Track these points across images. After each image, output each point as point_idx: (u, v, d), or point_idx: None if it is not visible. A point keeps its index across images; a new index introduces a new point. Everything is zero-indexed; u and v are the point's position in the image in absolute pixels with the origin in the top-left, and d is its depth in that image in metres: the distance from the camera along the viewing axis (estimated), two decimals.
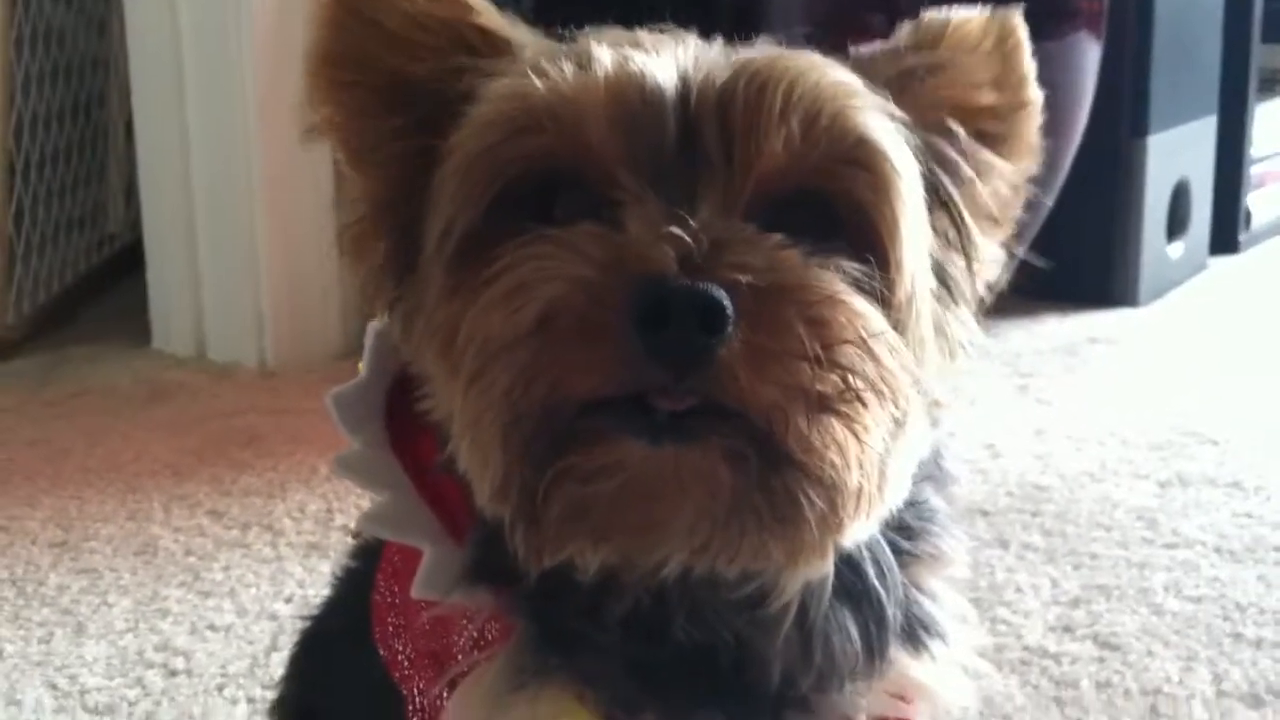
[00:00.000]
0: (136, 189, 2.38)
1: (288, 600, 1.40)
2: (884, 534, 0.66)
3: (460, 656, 0.67)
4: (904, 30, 0.68)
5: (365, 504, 0.71)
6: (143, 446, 1.83)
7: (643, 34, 0.63)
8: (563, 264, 0.56)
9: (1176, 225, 2.53)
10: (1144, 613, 1.35)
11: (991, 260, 0.69)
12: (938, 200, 0.65)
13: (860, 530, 0.61)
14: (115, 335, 2.33)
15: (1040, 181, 0.71)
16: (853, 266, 0.59)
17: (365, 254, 0.68)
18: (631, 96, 0.59)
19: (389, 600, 0.73)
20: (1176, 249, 2.54)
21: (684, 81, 0.60)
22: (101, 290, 2.56)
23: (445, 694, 0.68)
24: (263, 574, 1.46)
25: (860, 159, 0.60)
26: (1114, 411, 1.92)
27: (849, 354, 0.57)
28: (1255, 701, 1.20)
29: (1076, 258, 2.37)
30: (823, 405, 0.56)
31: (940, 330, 0.65)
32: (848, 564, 0.65)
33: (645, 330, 0.54)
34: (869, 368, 0.57)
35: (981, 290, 0.69)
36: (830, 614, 0.65)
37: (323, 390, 0.72)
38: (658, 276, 0.55)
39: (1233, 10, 2.60)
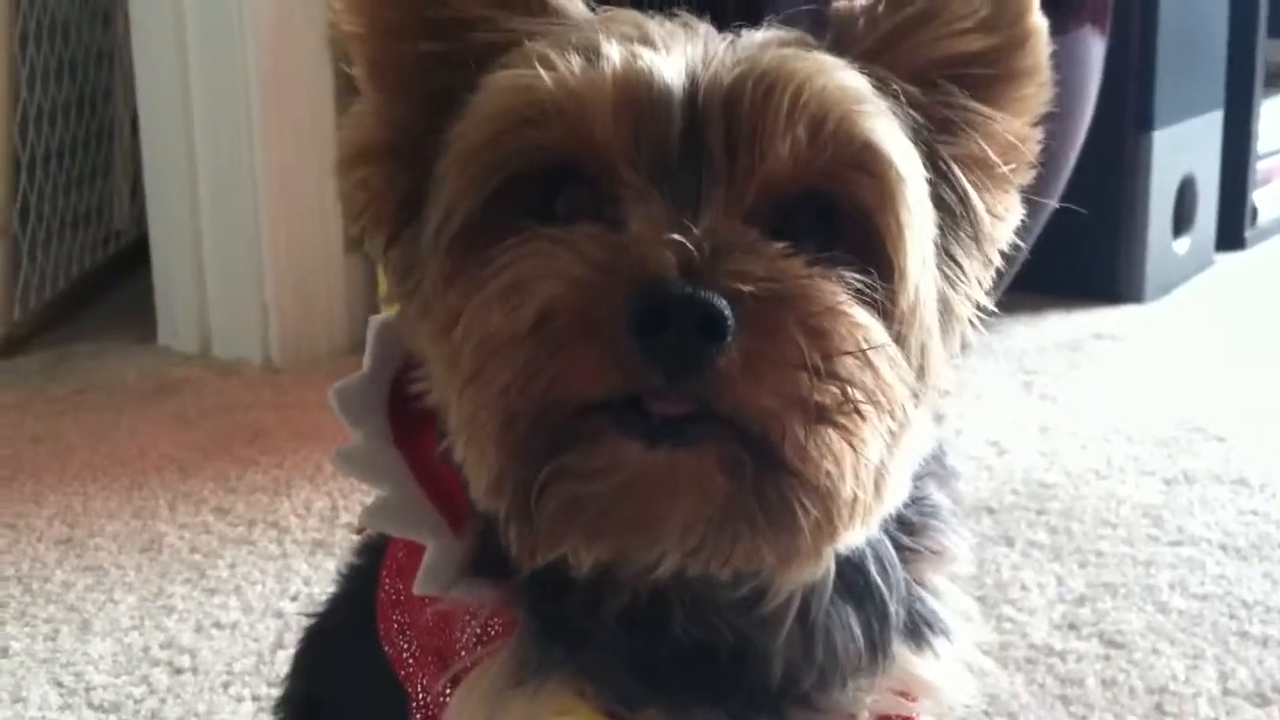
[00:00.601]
0: (142, 185, 2.38)
1: (293, 598, 1.40)
2: (886, 530, 0.66)
3: (463, 653, 0.67)
4: None
5: (370, 500, 0.71)
6: (148, 443, 1.84)
7: (653, 24, 0.63)
8: (563, 263, 0.56)
9: (1182, 221, 2.52)
10: (1150, 610, 1.35)
11: (1007, 214, 0.67)
12: (940, 174, 0.64)
13: (856, 536, 0.61)
14: (120, 331, 2.34)
15: (1044, 178, 0.70)
16: (855, 276, 0.59)
17: (361, 170, 0.66)
18: (639, 94, 0.59)
19: (393, 597, 0.73)
20: (1182, 245, 2.53)
21: (691, 80, 0.59)
22: (107, 286, 2.56)
23: (448, 690, 0.68)
24: (268, 571, 1.46)
25: (866, 164, 0.60)
26: (1119, 408, 1.92)
27: (848, 365, 0.57)
28: (1261, 700, 1.20)
29: (1081, 254, 2.36)
30: (820, 416, 0.56)
31: (948, 312, 0.64)
32: (850, 561, 0.65)
33: (643, 334, 0.54)
34: (868, 379, 0.57)
35: (996, 253, 0.67)
36: (832, 610, 0.65)
37: (327, 386, 0.72)
38: (658, 281, 0.54)
39: (1238, 4, 2.59)
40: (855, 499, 0.58)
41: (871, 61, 0.63)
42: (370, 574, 0.76)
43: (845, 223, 0.61)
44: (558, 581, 0.63)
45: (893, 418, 0.59)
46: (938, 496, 0.70)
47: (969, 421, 1.86)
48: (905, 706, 0.68)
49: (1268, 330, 2.30)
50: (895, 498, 0.63)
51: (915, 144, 0.63)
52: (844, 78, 0.61)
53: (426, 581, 0.67)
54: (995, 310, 0.68)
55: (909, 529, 0.68)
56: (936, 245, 0.63)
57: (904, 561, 0.67)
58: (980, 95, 0.66)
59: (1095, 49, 2.05)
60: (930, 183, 0.63)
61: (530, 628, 0.65)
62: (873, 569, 0.66)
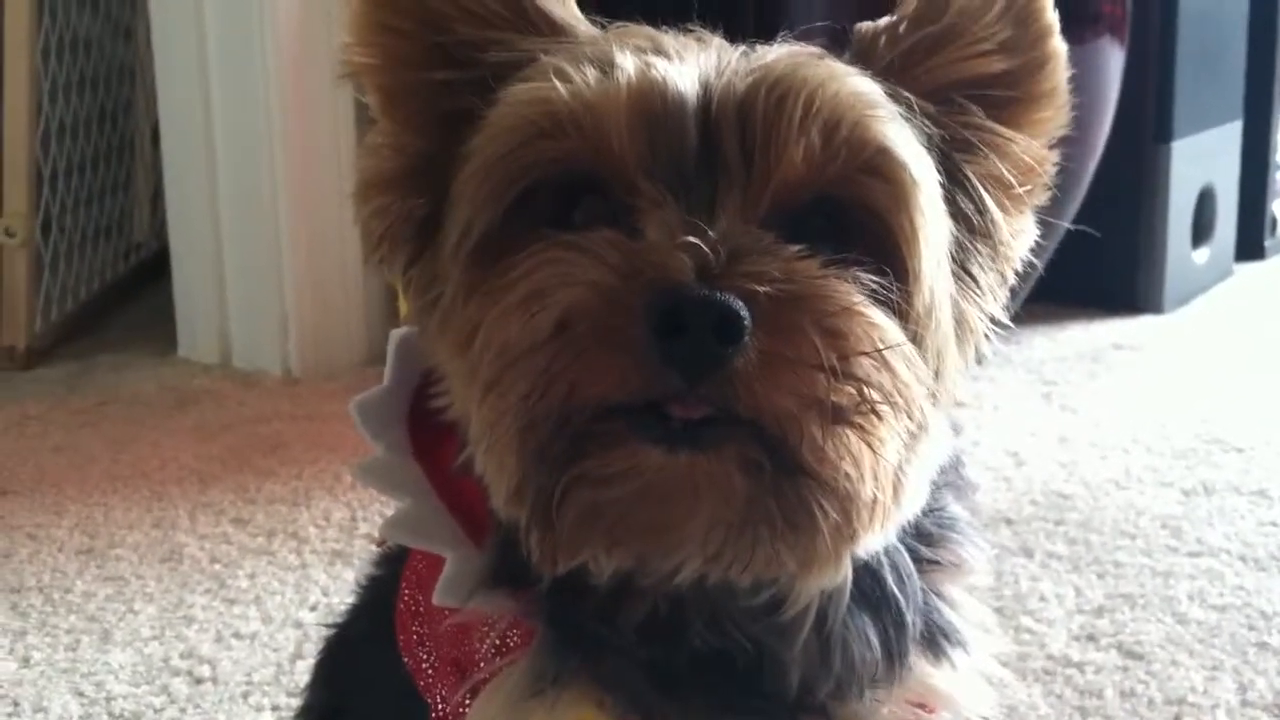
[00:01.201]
0: (162, 198, 2.40)
1: (312, 608, 1.40)
2: (903, 541, 0.66)
3: (482, 663, 0.67)
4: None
5: (389, 512, 0.72)
6: (169, 454, 1.84)
7: (666, 37, 0.63)
8: (581, 270, 0.57)
9: (1201, 231, 2.52)
10: (1169, 622, 1.34)
11: (1022, 234, 0.68)
12: (958, 184, 0.65)
13: (875, 540, 0.61)
14: (141, 343, 2.35)
15: (1062, 189, 0.70)
16: (870, 278, 0.59)
17: (378, 199, 0.67)
18: (653, 104, 0.59)
19: (413, 608, 0.73)
20: (1202, 255, 2.53)
21: (705, 90, 0.60)
22: (128, 299, 2.57)
23: (468, 701, 0.68)
24: (288, 581, 1.46)
25: (879, 169, 0.60)
26: (1138, 419, 1.92)
27: (865, 366, 0.57)
28: None
29: (1101, 264, 2.36)
30: (838, 416, 0.56)
31: (962, 325, 0.65)
32: (867, 571, 0.65)
33: (661, 338, 0.54)
34: (885, 380, 0.57)
35: (1011, 270, 0.68)
36: (849, 621, 0.65)
37: (346, 397, 0.72)
38: (675, 285, 0.55)
39: (1258, 14, 2.58)
40: (874, 501, 0.58)
41: (892, 78, 0.64)
42: (390, 585, 0.76)
43: (859, 227, 0.61)
44: (576, 591, 0.63)
45: (910, 418, 0.59)
46: (955, 508, 0.70)
47: (988, 432, 1.85)
48: (922, 718, 0.68)
49: None
50: (913, 503, 0.63)
51: (931, 152, 0.63)
52: (857, 84, 0.62)
53: (446, 593, 0.67)
54: (1012, 323, 0.68)
55: (926, 540, 0.68)
56: (952, 257, 0.64)
57: (921, 572, 0.67)
58: (999, 116, 0.67)
59: (1114, 60, 2.05)
60: (946, 190, 0.63)
61: (548, 638, 0.65)
62: (890, 579, 0.66)
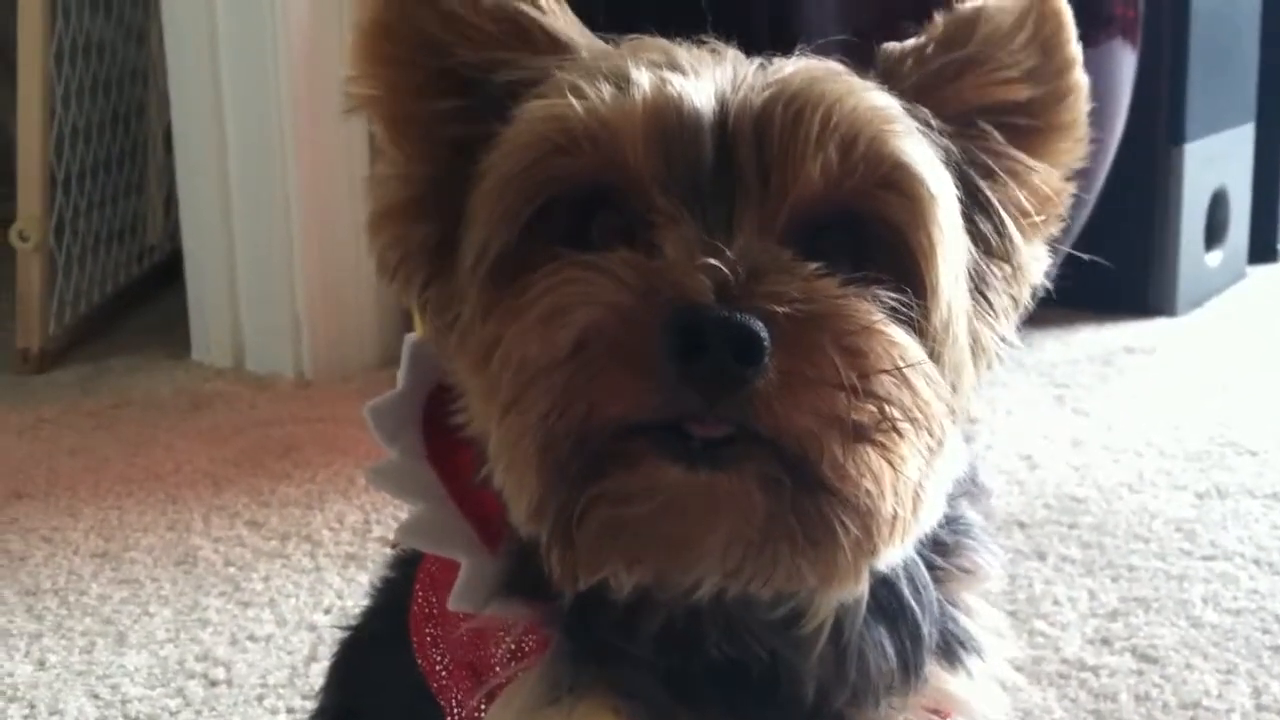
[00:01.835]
0: (175, 201, 2.40)
1: (326, 611, 1.41)
2: (919, 551, 0.66)
3: (498, 668, 0.68)
4: (936, 22, 0.67)
5: (402, 515, 0.72)
6: (183, 457, 1.85)
7: (682, 52, 0.63)
8: (599, 289, 0.57)
9: (1214, 234, 2.51)
10: (1183, 625, 1.34)
11: (1035, 262, 0.68)
12: (977, 204, 0.65)
13: (895, 554, 0.61)
14: (155, 346, 2.36)
15: (1076, 190, 0.70)
16: (889, 295, 0.59)
17: (391, 230, 0.67)
18: (669, 120, 0.59)
19: (427, 611, 0.74)
20: (1214, 258, 2.52)
21: (721, 105, 0.60)
22: (141, 302, 2.58)
23: (483, 705, 0.68)
24: (302, 584, 1.47)
25: (897, 184, 0.60)
26: (1152, 422, 1.91)
27: (885, 384, 0.57)
28: None
29: (1113, 267, 2.34)
30: (858, 435, 0.56)
31: (976, 344, 0.65)
32: (883, 581, 0.65)
33: (681, 359, 0.54)
34: (905, 397, 0.57)
35: (1025, 293, 0.68)
36: (865, 631, 0.65)
37: (359, 400, 0.72)
38: (694, 305, 0.55)
39: (1270, 16, 2.57)
40: (895, 516, 0.58)
41: (916, 100, 0.64)
42: (404, 588, 0.76)
43: (877, 242, 0.61)
44: (594, 604, 0.63)
45: (930, 435, 0.59)
46: (970, 515, 0.70)
47: (1000, 436, 1.85)
48: None
49: None
50: (932, 515, 0.63)
51: (950, 170, 0.63)
52: (874, 98, 0.61)
53: (461, 599, 0.67)
54: (1023, 326, 0.68)
55: (942, 549, 0.68)
56: (969, 276, 0.64)
57: (937, 581, 0.67)
58: (1021, 145, 0.67)
59: (1126, 62, 2.05)
60: (965, 208, 0.63)
61: (564, 646, 0.65)
62: (906, 590, 0.66)
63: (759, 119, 0.59)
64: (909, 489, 0.58)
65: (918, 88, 0.65)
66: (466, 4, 0.65)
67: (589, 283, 0.57)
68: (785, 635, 0.64)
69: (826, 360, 0.56)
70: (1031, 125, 0.67)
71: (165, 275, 2.58)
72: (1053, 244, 0.70)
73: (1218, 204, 2.50)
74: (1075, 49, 0.67)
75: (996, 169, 0.66)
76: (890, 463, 0.57)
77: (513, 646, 0.67)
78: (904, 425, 0.57)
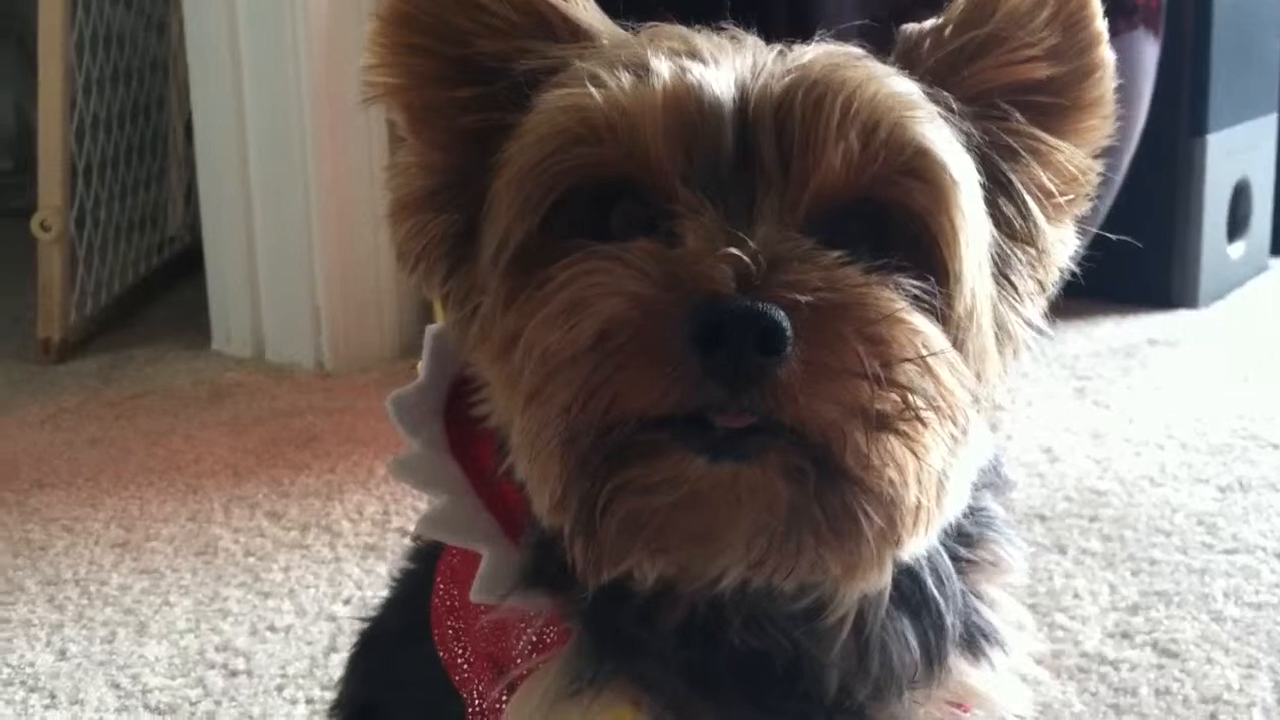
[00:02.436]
0: (195, 191, 2.41)
1: (346, 601, 1.41)
2: (943, 542, 0.66)
3: (519, 660, 0.68)
4: (955, 2, 0.66)
5: (422, 506, 0.72)
6: (203, 447, 1.85)
7: (701, 39, 0.63)
8: (620, 281, 0.57)
9: (1237, 225, 2.50)
10: (1204, 619, 1.34)
11: (1061, 245, 0.68)
12: (1000, 187, 0.64)
13: (919, 544, 0.61)
14: (175, 337, 2.36)
15: (1103, 170, 0.69)
16: (911, 282, 0.59)
17: (411, 220, 0.67)
18: (689, 109, 0.59)
19: (448, 603, 0.74)
20: (1237, 249, 2.51)
21: (741, 93, 0.59)
22: (161, 292, 2.59)
23: (504, 697, 0.68)
24: (321, 575, 1.47)
25: (919, 170, 0.60)
26: (1173, 414, 1.91)
27: (908, 372, 0.57)
28: None
29: (1135, 259, 2.33)
30: (882, 424, 0.56)
31: (1002, 330, 0.64)
32: (906, 573, 0.65)
33: (703, 350, 0.54)
34: (929, 386, 0.57)
35: (1052, 277, 0.67)
36: (888, 623, 0.65)
37: (379, 391, 0.72)
38: (716, 296, 0.55)
39: None
40: (918, 506, 0.58)
41: (936, 83, 0.63)
42: (424, 579, 0.76)
43: (899, 228, 0.61)
44: (616, 596, 0.63)
45: (954, 423, 0.58)
46: (993, 507, 0.70)
47: (1021, 428, 1.85)
48: (959, 717, 0.68)
49: None
50: (956, 505, 0.62)
51: (972, 154, 0.63)
52: (895, 84, 0.61)
53: (483, 590, 0.67)
54: (1048, 316, 0.68)
55: (965, 540, 0.68)
56: (993, 261, 0.63)
57: (960, 573, 0.67)
58: (1044, 124, 0.66)
59: (1149, 52, 2.04)
60: (988, 192, 0.63)
61: (585, 638, 0.65)
62: (929, 581, 0.66)
63: (779, 107, 0.59)
64: (933, 478, 0.58)
65: (937, 69, 0.64)
66: None
67: (610, 274, 0.57)
68: (808, 627, 0.64)
69: (849, 349, 0.55)
70: (1056, 104, 0.66)
71: (185, 266, 2.59)
72: (1080, 227, 0.69)
73: (1240, 196, 2.49)
74: (1100, 25, 0.67)
75: (1019, 149, 0.65)
76: (914, 452, 0.57)
77: (534, 638, 0.67)
78: (927, 414, 0.57)
